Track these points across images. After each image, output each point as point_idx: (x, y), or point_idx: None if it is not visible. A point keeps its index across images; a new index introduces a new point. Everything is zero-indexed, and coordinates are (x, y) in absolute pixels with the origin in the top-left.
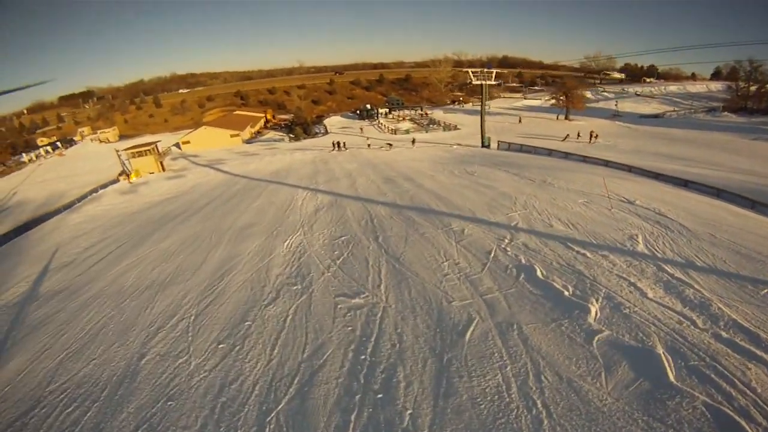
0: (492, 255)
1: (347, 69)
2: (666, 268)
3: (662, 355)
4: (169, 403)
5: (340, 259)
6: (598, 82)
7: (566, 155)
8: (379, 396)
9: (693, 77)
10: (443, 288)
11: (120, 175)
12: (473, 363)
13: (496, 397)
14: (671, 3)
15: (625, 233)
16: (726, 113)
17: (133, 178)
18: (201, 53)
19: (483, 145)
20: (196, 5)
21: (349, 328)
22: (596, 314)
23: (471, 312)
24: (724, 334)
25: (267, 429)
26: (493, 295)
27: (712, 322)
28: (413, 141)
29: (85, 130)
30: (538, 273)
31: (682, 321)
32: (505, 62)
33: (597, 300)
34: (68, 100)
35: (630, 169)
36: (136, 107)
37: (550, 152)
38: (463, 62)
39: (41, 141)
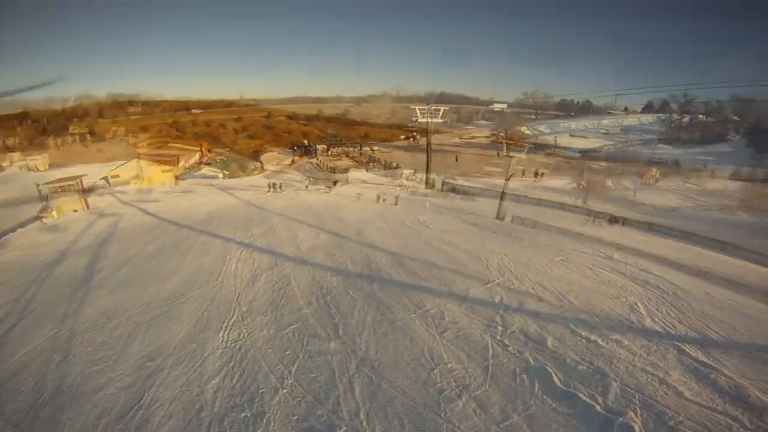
0: (490, 353)
1: (286, 102)
2: (685, 349)
3: None
4: None
5: (296, 365)
6: (534, 118)
7: (517, 198)
8: None
9: (625, 110)
10: (445, 415)
11: (41, 212)
12: None
13: None
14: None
15: (623, 302)
16: (661, 145)
17: (56, 216)
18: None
19: (427, 186)
20: (147, 26)
21: None
22: (642, 429)
23: None
24: None
25: None
26: (512, 421)
27: (757, 418)
28: (334, 183)
29: (15, 155)
30: (555, 379)
31: (731, 424)
32: (442, 98)
33: (635, 412)
34: (2, 121)
35: (588, 212)
36: (69, 134)
37: (501, 195)
38: (402, 98)
39: None
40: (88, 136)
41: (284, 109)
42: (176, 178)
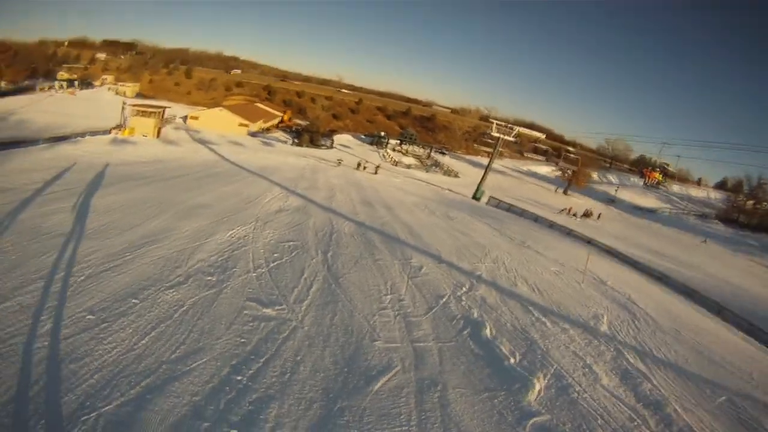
0: (443, 300)
1: (382, 95)
2: (626, 355)
3: None
4: None
5: (275, 263)
6: (608, 166)
7: (551, 225)
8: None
9: (698, 183)
10: (373, 323)
11: (114, 128)
12: (370, 421)
13: None
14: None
15: (591, 311)
16: (716, 221)
17: (125, 135)
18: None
19: (474, 197)
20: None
21: (242, 341)
22: (539, 392)
23: (393, 358)
24: None
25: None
26: (427, 344)
27: (665, 425)
28: (377, 168)
29: (109, 78)
30: (487, 331)
31: (634, 418)
32: (531, 127)
33: (544, 376)
34: (111, 45)
35: (610, 251)
36: (167, 71)
37: (536, 218)
38: (489, 118)
39: (61, 75)
40: (76, 83)
41: (376, 99)
42: (248, 133)
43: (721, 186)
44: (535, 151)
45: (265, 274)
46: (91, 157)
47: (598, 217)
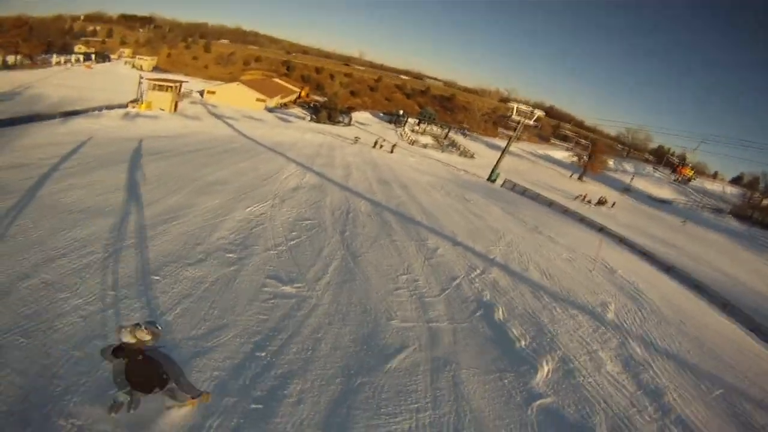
0: (456, 282)
1: (401, 73)
2: (630, 343)
3: None
4: (21, 340)
5: (294, 242)
6: (626, 154)
7: (565, 210)
8: (256, 407)
9: (714, 176)
10: (389, 302)
11: (130, 102)
12: (387, 397)
13: None
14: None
15: (599, 298)
16: (730, 217)
17: (142, 109)
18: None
19: (489, 179)
20: None
21: (263, 317)
22: (545, 375)
23: (409, 337)
24: (673, 429)
25: (111, 402)
26: (441, 324)
27: (663, 412)
28: (393, 147)
29: (126, 51)
30: (498, 314)
31: (634, 404)
32: (550, 112)
33: (551, 360)
34: (128, 19)
35: (621, 240)
36: (185, 45)
37: (550, 203)
38: (510, 100)
39: (78, 48)
40: (93, 56)
41: (395, 78)
42: (265, 109)
43: (737, 181)
44: (557, 136)
45: (284, 252)
46: (107, 131)
47: (613, 205)
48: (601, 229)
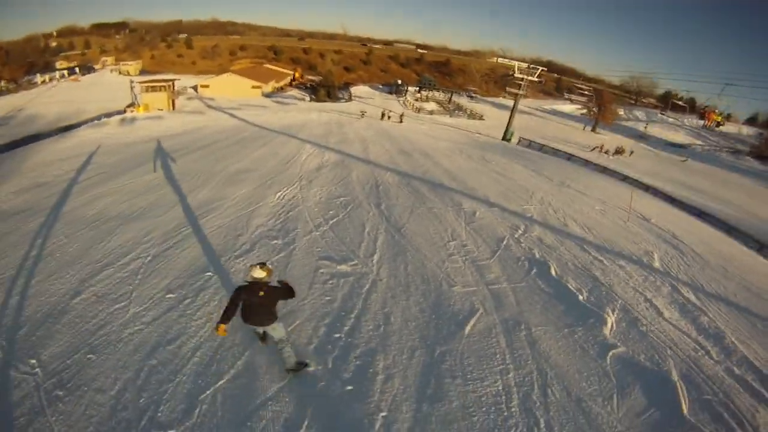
0: (504, 243)
1: (390, 43)
2: (681, 290)
3: (677, 383)
4: (92, 357)
5: (334, 220)
6: (633, 102)
7: (586, 163)
8: (349, 388)
9: (728, 118)
10: (445, 269)
11: (128, 107)
12: (470, 363)
13: (493, 408)
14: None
15: (641, 248)
16: (749, 158)
17: (141, 112)
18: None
19: (504, 138)
20: None
21: (327, 299)
22: (612, 327)
23: (474, 301)
24: (736, 370)
25: (199, 407)
26: (501, 286)
27: (725, 355)
28: (401, 117)
29: (108, 59)
30: (552, 270)
31: (698, 349)
32: (549, 66)
33: (613, 311)
34: (101, 28)
35: (647, 188)
36: (166, 45)
37: (569, 157)
38: (507, 59)
39: (60, 64)
40: (77, 69)
41: (386, 48)
42: (263, 95)
43: (752, 121)
44: (568, 90)
45: (327, 232)
46: (113, 138)
47: (630, 153)
48: (625, 179)
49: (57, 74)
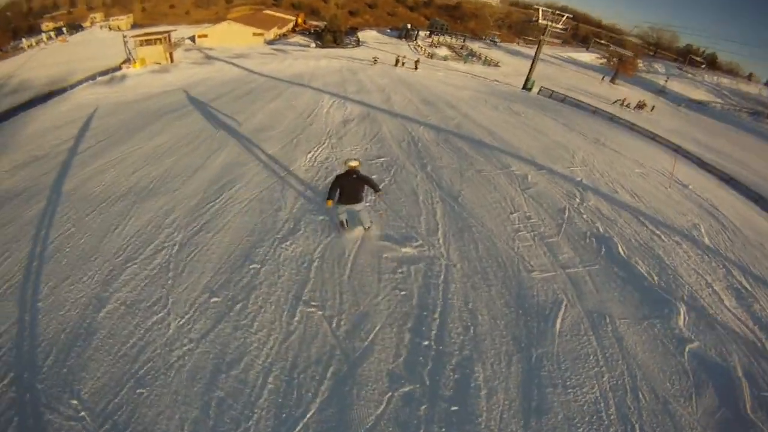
0: (566, 215)
1: None
2: (734, 272)
3: (742, 379)
4: (142, 392)
5: (381, 186)
6: (653, 54)
7: (611, 118)
8: (455, 409)
9: (749, 78)
10: (518, 249)
11: (123, 63)
12: (567, 367)
13: (595, 418)
14: None
15: (688, 220)
16: None
17: (137, 68)
18: None
19: (525, 87)
20: None
21: (402, 293)
22: (684, 318)
23: (556, 290)
24: None
25: None
26: (577, 269)
27: None
28: (416, 63)
29: (97, 16)
30: (620, 249)
31: (756, 341)
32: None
33: (683, 299)
34: None
35: (677, 150)
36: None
37: (595, 110)
38: (519, 4)
39: (46, 26)
40: (64, 29)
41: None
42: (266, 42)
43: None
44: (589, 41)
45: (377, 203)
46: (110, 98)
47: (652, 109)
48: (655, 137)
49: (44, 36)
